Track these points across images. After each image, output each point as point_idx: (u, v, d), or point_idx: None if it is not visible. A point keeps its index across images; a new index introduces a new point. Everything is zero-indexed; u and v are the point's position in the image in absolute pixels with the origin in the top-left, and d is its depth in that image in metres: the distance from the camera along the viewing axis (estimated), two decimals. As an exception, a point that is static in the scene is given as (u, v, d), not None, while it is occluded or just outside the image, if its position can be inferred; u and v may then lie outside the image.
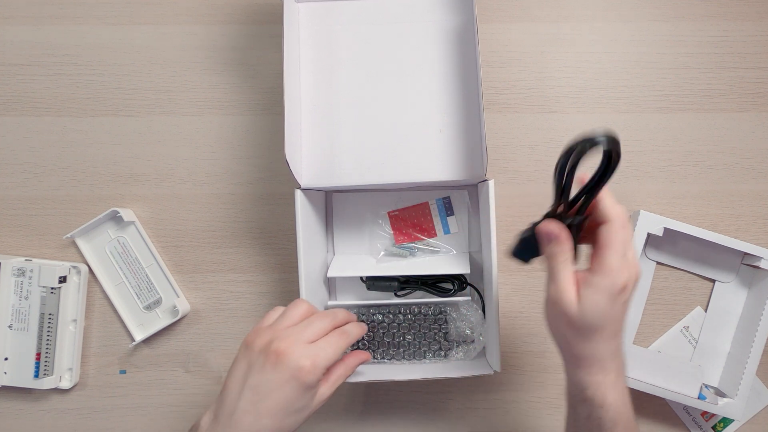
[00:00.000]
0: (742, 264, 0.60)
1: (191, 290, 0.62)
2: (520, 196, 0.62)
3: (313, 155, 0.56)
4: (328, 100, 0.57)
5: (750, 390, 0.57)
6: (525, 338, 0.61)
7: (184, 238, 0.62)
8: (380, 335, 0.58)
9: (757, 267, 0.58)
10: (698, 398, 0.57)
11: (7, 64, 0.62)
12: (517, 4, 0.63)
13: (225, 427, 0.42)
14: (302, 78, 0.58)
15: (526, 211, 0.61)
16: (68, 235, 0.59)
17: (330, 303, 0.59)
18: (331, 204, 0.61)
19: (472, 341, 0.57)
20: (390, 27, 0.58)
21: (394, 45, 0.58)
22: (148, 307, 0.61)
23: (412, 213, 0.61)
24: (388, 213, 0.61)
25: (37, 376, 0.58)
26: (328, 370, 0.45)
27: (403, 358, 0.58)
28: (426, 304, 0.58)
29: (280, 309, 0.47)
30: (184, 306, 0.60)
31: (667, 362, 0.58)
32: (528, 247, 0.43)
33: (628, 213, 0.42)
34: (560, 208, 0.41)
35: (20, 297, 0.58)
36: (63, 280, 0.59)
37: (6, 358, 0.58)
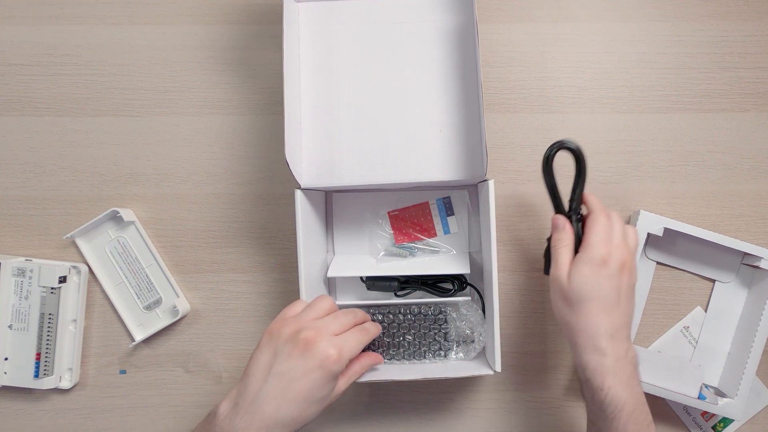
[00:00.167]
0: (742, 264, 0.60)
1: (191, 290, 0.62)
2: (520, 196, 0.62)
3: (313, 155, 0.56)
4: (328, 100, 0.57)
5: (750, 390, 0.57)
6: (525, 338, 0.61)
7: (184, 238, 0.62)
8: (380, 335, 0.58)
9: (757, 267, 0.58)
10: (698, 398, 0.57)
11: (7, 64, 0.62)
12: (517, 4, 0.63)
13: (246, 414, 0.42)
14: (302, 78, 0.58)
15: (527, 210, 0.62)
16: (68, 235, 0.59)
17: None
18: (331, 204, 0.61)
19: (472, 341, 0.57)
20: (390, 27, 0.58)
21: (394, 45, 0.58)
22: (148, 307, 0.61)
23: (412, 213, 0.61)
24: (388, 213, 0.61)
25: (37, 376, 0.58)
26: (347, 365, 0.46)
27: (403, 358, 0.58)
28: (426, 304, 0.58)
29: (302, 302, 0.49)
30: (184, 306, 0.60)
31: (667, 362, 0.58)
32: (549, 259, 0.51)
33: (613, 210, 0.51)
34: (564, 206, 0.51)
35: (20, 297, 0.58)
36: (63, 280, 0.59)
37: (6, 358, 0.58)
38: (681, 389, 0.57)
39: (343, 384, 0.47)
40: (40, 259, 0.61)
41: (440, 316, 0.58)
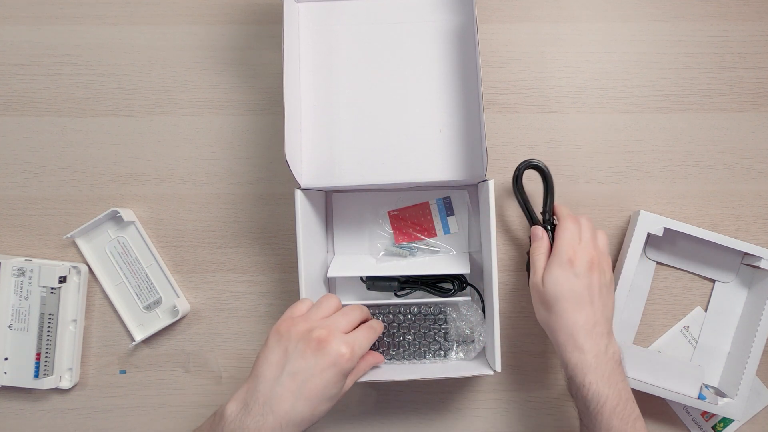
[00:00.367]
0: (742, 264, 0.60)
1: (191, 290, 0.62)
2: (520, 196, 0.62)
3: (313, 155, 0.56)
4: (328, 100, 0.57)
5: (750, 390, 0.57)
6: (525, 338, 0.61)
7: (184, 238, 0.62)
8: (380, 335, 0.58)
9: (757, 267, 0.58)
10: (698, 398, 0.57)
11: (7, 64, 0.62)
12: (517, 4, 0.63)
13: (259, 414, 0.42)
14: (302, 78, 0.58)
15: (526, 211, 0.61)
16: (68, 235, 0.59)
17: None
18: (331, 204, 0.61)
19: (472, 341, 0.57)
20: (390, 27, 0.58)
21: (394, 45, 0.58)
22: (148, 307, 0.61)
23: (413, 213, 0.61)
24: (389, 212, 0.61)
25: (37, 376, 0.58)
26: None
27: (403, 358, 0.58)
28: (426, 304, 0.58)
29: (307, 301, 0.49)
30: (184, 306, 0.60)
31: (667, 362, 0.58)
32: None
33: (584, 216, 0.55)
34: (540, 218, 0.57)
35: (20, 297, 0.58)
36: (63, 280, 0.59)
37: (6, 358, 0.58)
38: (681, 389, 0.57)
39: (350, 381, 0.48)
40: (40, 259, 0.61)
41: (440, 316, 0.58)
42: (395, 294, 0.59)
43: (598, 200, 0.62)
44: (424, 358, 0.58)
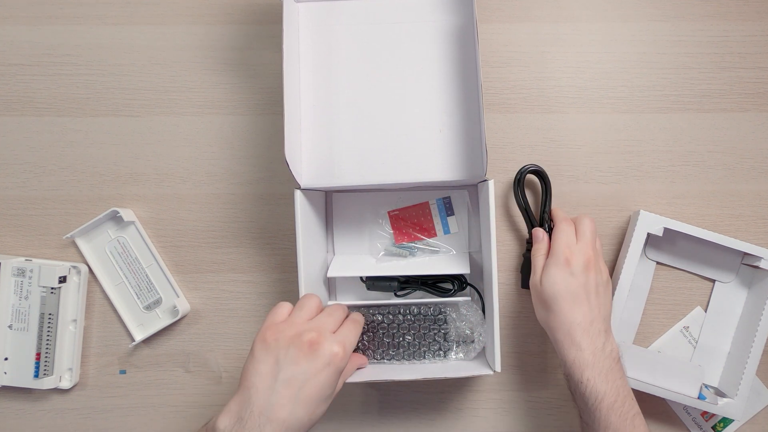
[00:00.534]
0: (742, 264, 0.60)
1: (191, 290, 0.62)
2: (520, 196, 0.62)
3: (313, 155, 0.56)
4: (327, 100, 0.57)
5: (750, 390, 0.57)
6: (525, 338, 0.61)
7: (184, 238, 0.62)
8: (380, 335, 0.58)
9: (757, 267, 0.58)
10: (698, 398, 0.57)
11: (7, 64, 0.62)
12: (517, 4, 0.63)
13: (255, 426, 0.41)
14: (302, 78, 0.58)
15: (526, 211, 0.62)
16: (68, 235, 0.59)
17: (330, 303, 0.58)
18: (331, 204, 0.61)
19: (472, 341, 0.57)
20: (390, 27, 0.58)
21: (394, 45, 0.58)
22: (148, 307, 0.61)
23: (413, 213, 0.61)
24: (389, 212, 0.61)
25: (37, 376, 0.58)
26: None
27: (403, 358, 0.58)
28: (426, 304, 0.58)
29: (285, 305, 0.48)
30: (184, 306, 0.60)
31: (667, 362, 0.58)
32: (527, 274, 0.58)
33: (586, 216, 0.56)
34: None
35: (20, 297, 0.58)
36: (63, 280, 0.59)
37: (6, 358, 0.58)
38: (681, 389, 0.57)
39: (341, 382, 0.48)
40: (40, 259, 0.61)
41: (440, 316, 0.58)
42: (395, 294, 0.59)
43: (598, 200, 0.62)
44: (424, 358, 0.58)
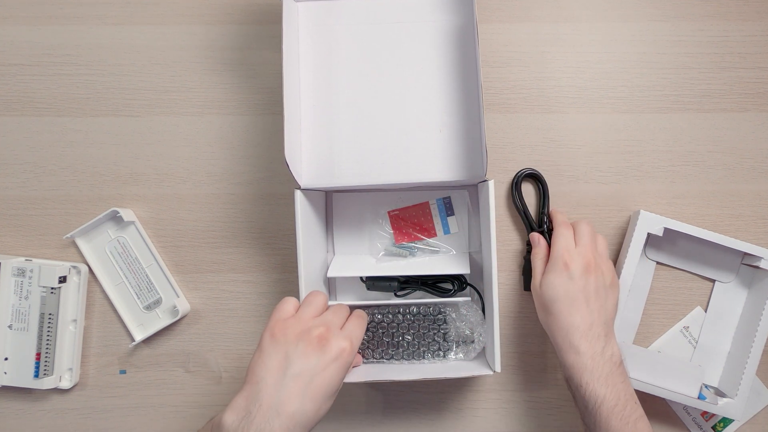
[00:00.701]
0: (742, 264, 0.60)
1: (191, 290, 0.62)
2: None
3: (313, 155, 0.56)
4: (327, 100, 0.57)
5: (750, 390, 0.57)
6: (525, 338, 0.61)
7: (184, 238, 0.62)
8: (380, 335, 0.58)
9: (757, 267, 0.58)
10: (698, 398, 0.57)
11: (7, 64, 0.62)
12: (517, 4, 0.63)
13: (264, 420, 0.41)
14: (302, 78, 0.58)
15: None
16: (68, 235, 0.59)
17: (330, 303, 0.58)
18: (331, 204, 0.61)
19: (472, 341, 0.57)
20: (390, 27, 0.58)
21: (394, 45, 0.58)
22: (148, 307, 0.61)
23: (413, 213, 0.61)
24: (389, 212, 0.61)
25: (37, 376, 0.58)
26: None
27: (403, 358, 0.58)
28: (426, 304, 0.58)
29: (291, 299, 0.49)
30: (184, 306, 0.60)
31: (667, 362, 0.58)
32: (528, 277, 0.58)
33: (583, 221, 0.56)
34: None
35: (20, 297, 0.58)
36: (63, 280, 0.59)
37: (6, 358, 0.58)
38: (681, 389, 0.57)
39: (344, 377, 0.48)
40: (40, 259, 0.61)
41: (440, 316, 0.58)
42: (395, 294, 0.59)
43: (598, 200, 0.62)
44: (424, 358, 0.58)
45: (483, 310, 0.58)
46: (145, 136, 0.62)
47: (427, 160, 0.56)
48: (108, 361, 0.62)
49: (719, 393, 0.59)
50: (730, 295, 0.61)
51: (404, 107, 0.57)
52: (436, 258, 0.59)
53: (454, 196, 0.60)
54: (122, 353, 0.62)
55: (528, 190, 0.62)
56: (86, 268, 0.61)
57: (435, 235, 0.61)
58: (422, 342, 0.58)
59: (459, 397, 0.62)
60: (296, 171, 0.52)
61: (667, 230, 0.57)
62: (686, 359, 0.61)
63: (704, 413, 0.60)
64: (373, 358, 0.58)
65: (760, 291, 0.58)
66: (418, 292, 0.59)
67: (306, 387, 0.43)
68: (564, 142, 0.62)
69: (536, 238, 0.57)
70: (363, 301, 0.59)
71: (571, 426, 0.61)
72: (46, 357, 0.59)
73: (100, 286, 0.61)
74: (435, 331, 0.58)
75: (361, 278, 0.59)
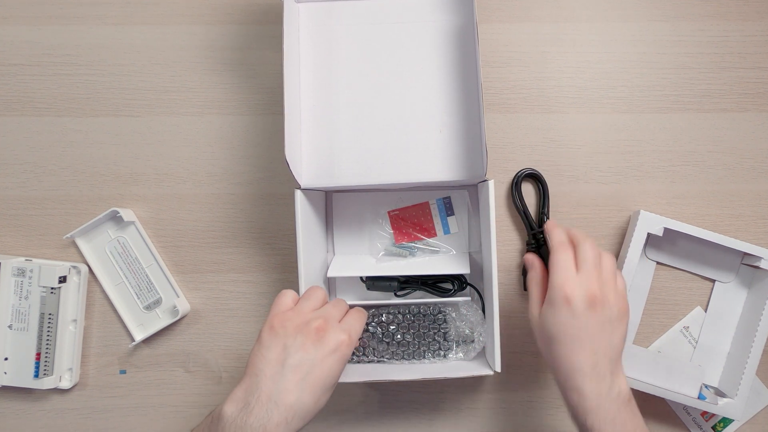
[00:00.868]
0: (742, 264, 0.60)
1: (191, 290, 0.62)
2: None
3: (313, 155, 0.56)
4: (327, 100, 0.57)
5: (750, 390, 0.57)
6: (525, 338, 0.61)
7: (184, 238, 0.62)
8: (380, 335, 0.58)
9: (757, 267, 0.58)
10: (698, 398, 0.57)
11: (7, 64, 0.62)
12: (517, 4, 0.63)
13: (263, 411, 0.42)
14: (302, 78, 0.58)
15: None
16: (68, 235, 0.59)
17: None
18: (331, 204, 0.61)
19: (472, 341, 0.57)
20: (390, 27, 0.58)
21: (394, 45, 0.58)
22: (148, 307, 0.61)
23: (413, 213, 0.61)
24: (389, 212, 0.61)
25: (37, 376, 0.58)
26: None
27: (403, 358, 0.58)
28: (426, 304, 0.58)
29: (289, 292, 0.48)
30: (184, 306, 0.60)
31: (667, 362, 0.58)
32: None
33: (586, 239, 0.48)
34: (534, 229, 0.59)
35: (20, 297, 0.58)
36: (63, 280, 0.59)
37: (6, 358, 0.58)
38: (681, 389, 0.57)
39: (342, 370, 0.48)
40: (40, 259, 0.61)
41: (440, 316, 0.58)
42: (395, 294, 0.59)
43: (598, 200, 0.62)
44: (424, 358, 0.58)
45: (483, 310, 0.58)
46: (145, 136, 0.62)
47: (427, 160, 0.56)
48: (108, 361, 0.62)
49: (719, 393, 0.59)
50: (730, 295, 0.61)
51: (404, 107, 0.57)
52: (436, 258, 0.59)
53: (454, 196, 0.60)
54: (122, 353, 0.62)
55: (528, 190, 0.62)
56: (86, 268, 0.61)
57: (435, 235, 0.61)
58: (422, 342, 0.58)
59: (459, 397, 0.62)
60: (296, 171, 0.52)
61: (667, 230, 0.57)
62: (686, 359, 0.61)
63: (704, 413, 0.60)
64: (374, 357, 0.58)
65: (760, 291, 0.58)
66: (418, 292, 0.59)
67: (304, 378, 0.43)
68: (564, 142, 0.62)
69: (530, 260, 0.50)
70: (363, 301, 0.59)
71: (571, 426, 0.61)
72: (46, 357, 0.59)
73: (100, 286, 0.61)
74: (435, 331, 0.58)
75: (361, 278, 0.59)
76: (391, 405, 0.62)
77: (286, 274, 0.61)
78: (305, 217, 0.53)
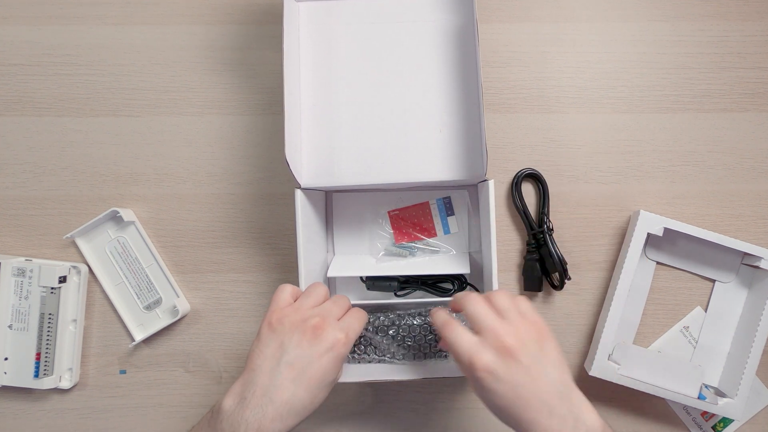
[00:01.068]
0: (742, 264, 0.60)
1: (191, 290, 0.62)
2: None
3: (313, 155, 0.56)
4: (327, 100, 0.57)
5: (750, 390, 0.57)
6: (525, 338, 0.61)
7: (184, 238, 0.62)
8: (380, 335, 0.58)
9: (757, 267, 0.58)
10: (698, 398, 0.57)
11: (7, 64, 0.62)
12: (517, 4, 0.63)
13: (258, 406, 0.42)
14: (302, 78, 0.58)
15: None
16: (68, 235, 0.59)
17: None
18: (331, 204, 0.61)
19: (472, 341, 0.57)
20: (390, 27, 0.58)
21: (394, 45, 0.58)
22: (148, 307, 0.61)
23: (413, 213, 0.61)
24: (389, 212, 0.61)
25: (37, 376, 0.58)
26: None
27: (403, 358, 0.58)
28: (426, 304, 0.58)
29: (287, 286, 0.49)
30: (184, 306, 0.60)
31: (667, 362, 0.58)
32: (528, 278, 0.60)
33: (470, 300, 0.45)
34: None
35: (20, 297, 0.58)
36: (63, 280, 0.59)
37: (6, 358, 0.58)
38: (681, 389, 0.57)
39: (341, 370, 0.48)
40: (40, 259, 0.61)
41: (440, 316, 0.58)
42: (395, 294, 0.59)
43: (598, 200, 0.62)
44: (424, 358, 0.58)
45: (483, 310, 0.58)
46: (145, 136, 0.62)
47: (427, 159, 0.56)
48: (108, 361, 0.62)
49: (719, 393, 0.59)
50: (730, 295, 0.61)
51: (404, 107, 0.57)
52: (436, 258, 0.59)
53: (454, 196, 0.60)
54: (122, 353, 0.62)
55: (528, 190, 0.62)
56: (86, 268, 0.61)
57: (435, 235, 0.61)
58: (422, 342, 0.58)
59: (459, 397, 0.62)
60: (296, 171, 0.52)
61: (667, 230, 0.57)
62: (686, 359, 0.61)
63: (704, 413, 0.60)
64: (374, 356, 0.58)
65: (760, 291, 0.58)
66: (418, 292, 0.59)
67: (299, 375, 0.43)
68: (564, 142, 0.62)
69: (437, 316, 0.46)
70: (363, 301, 0.59)
71: (571, 426, 0.61)
72: (46, 357, 0.59)
73: (100, 286, 0.61)
74: (435, 331, 0.58)
75: (361, 278, 0.59)
76: (391, 405, 0.62)
77: (286, 274, 0.61)
78: (305, 216, 0.53)
